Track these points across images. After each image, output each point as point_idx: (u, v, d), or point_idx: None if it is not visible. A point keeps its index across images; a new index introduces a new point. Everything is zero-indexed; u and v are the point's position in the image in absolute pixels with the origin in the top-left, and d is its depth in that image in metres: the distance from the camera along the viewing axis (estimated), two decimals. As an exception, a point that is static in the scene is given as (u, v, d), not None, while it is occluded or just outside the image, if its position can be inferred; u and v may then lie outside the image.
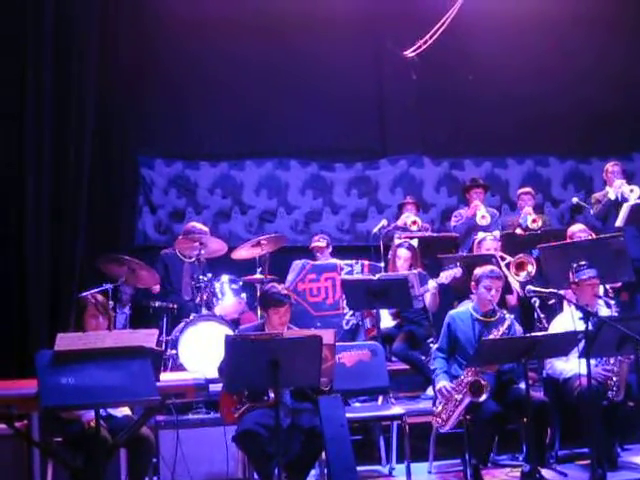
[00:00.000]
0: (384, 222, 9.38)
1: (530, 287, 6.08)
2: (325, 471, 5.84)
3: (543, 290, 6.17)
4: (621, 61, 11.25)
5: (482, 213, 9.08)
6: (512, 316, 6.27)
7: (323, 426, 3.51)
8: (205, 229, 8.73)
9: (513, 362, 5.95)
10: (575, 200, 9.65)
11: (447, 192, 11.59)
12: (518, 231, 9.03)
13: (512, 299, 7.63)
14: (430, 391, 7.44)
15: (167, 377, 5.12)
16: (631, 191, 8.88)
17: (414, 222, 9.35)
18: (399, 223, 9.47)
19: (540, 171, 11.86)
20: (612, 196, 9.01)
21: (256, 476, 5.81)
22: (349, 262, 8.68)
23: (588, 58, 11.06)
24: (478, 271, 6.34)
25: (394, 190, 11.45)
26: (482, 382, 5.83)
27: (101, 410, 4.78)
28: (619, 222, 8.57)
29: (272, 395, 5.56)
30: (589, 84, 11.09)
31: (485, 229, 8.85)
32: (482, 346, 5.74)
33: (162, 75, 10.50)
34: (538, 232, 8.78)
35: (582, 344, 5.70)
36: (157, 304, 8.17)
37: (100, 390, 4.38)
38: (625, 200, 8.81)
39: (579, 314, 6.13)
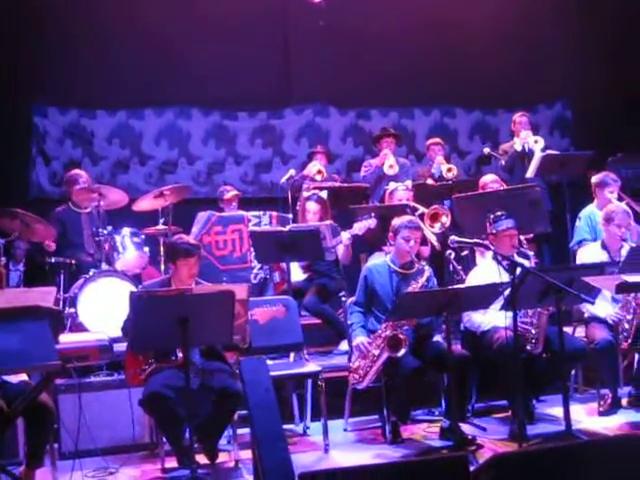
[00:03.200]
0: (292, 172, 9.06)
1: (454, 237, 5.86)
2: (234, 432, 5.61)
3: (468, 240, 5.97)
4: (526, 14, 11.13)
5: (390, 162, 8.85)
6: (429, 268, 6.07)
7: (246, 391, 3.21)
8: (83, 173, 8.31)
9: (434, 315, 5.74)
10: (486, 150, 9.53)
11: (353, 142, 11.43)
12: (429, 182, 8.84)
13: (426, 250, 7.45)
14: (343, 346, 7.22)
15: (67, 339, 4.73)
16: (535, 142, 8.82)
17: (319, 171, 9.04)
18: (305, 172, 9.15)
19: (447, 122, 11.78)
20: (518, 147, 8.94)
21: (165, 440, 5.49)
22: (257, 213, 8.32)
23: (494, 9, 10.89)
24: (396, 221, 6.10)
25: (299, 140, 11.21)
26: (401, 336, 5.61)
27: (-7, 376, 4.36)
28: (529, 173, 8.51)
29: (180, 354, 5.27)
30: (496, 35, 10.96)
31: (394, 179, 8.62)
32: (402, 299, 5.52)
33: (57, 20, 9.95)
34: (450, 183, 8.61)
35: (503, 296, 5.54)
36: (53, 260, 7.66)
37: (-8, 355, 3.96)
38: (531, 151, 8.74)
39: (497, 266, 6.00)
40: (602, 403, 6.39)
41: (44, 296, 4.34)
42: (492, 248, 5.89)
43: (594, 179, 7.61)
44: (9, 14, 9.26)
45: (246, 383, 3.28)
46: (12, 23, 9.42)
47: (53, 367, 4.14)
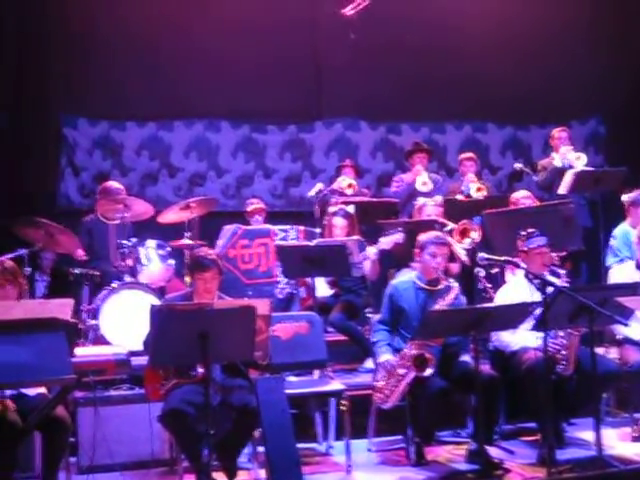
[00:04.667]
0: (320, 186, 8.94)
1: (483, 254, 5.70)
2: (254, 449, 5.48)
3: (498, 258, 5.80)
4: (560, 29, 10.98)
5: (423, 179, 8.69)
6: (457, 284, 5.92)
7: (261, 412, 3.07)
8: (121, 187, 8.19)
9: (461, 335, 5.60)
10: (518, 166, 9.32)
11: (383, 157, 11.33)
12: (459, 197, 8.68)
13: (455, 267, 7.28)
14: (368, 364, 7.09)
15: (84, 352, 4.62)
16: (577, 158, 8.60)
17: (349, 185, 8.91)
18: (335, 186, 9.02)
19: (478, 137, 11.64)
20: (558, 163, 8.71)
21: (183, 457, 5.38)
22: (283, 227, 8.21)
23: (527, 24, 10.78)
24: (422, 237, 5.96)
25: (329, 154, 11.12)
26: (427, 356, 5.46)
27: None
28: (562, 189, 8.30)
29: (201, 370, 5.16)
30: (529, 51, 10.89)
31: (427, 195, 8.47)
32: (429, 317, 5.36)
33: (88, 32, 9.92)
34: (480, 198, 8.44)
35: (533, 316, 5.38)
36: (78, 271, 7.60)
37: (5, 368, 3.86)
38: (571, 168, 8.52)
39: (528, 285, 5.86)
40: (635, 428, 6.20)
41: (61, 308, 4.26)
42: (523, 266, 5.73)
43: (628, 197, 7.45)
44: (38, 25, 9.28)
45: (261, 403, 3.16)
46: (42, 34, 9.44)
47: (68, 381, 4.04)
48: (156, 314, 4.80)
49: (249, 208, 9.04)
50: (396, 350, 5.76)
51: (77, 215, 9.20)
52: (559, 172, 8.60)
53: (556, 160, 8.71)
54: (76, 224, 8.25)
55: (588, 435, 6.05)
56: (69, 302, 4.41)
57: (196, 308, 4.93)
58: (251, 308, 4.80)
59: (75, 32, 9.85)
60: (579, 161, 8.50)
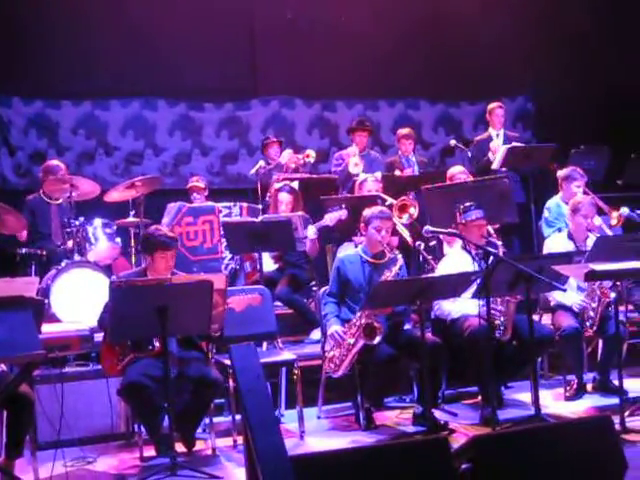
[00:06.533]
0: (261, 163, 9.13)
1: (429, 227, 5.97)
2: (210, 420, 5.67)
3: (443, 230, 6.08)
4: (488, 6, 11.24)
5: (355, 161, 8.82)
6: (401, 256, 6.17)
7: (237, 378, 3.26)
8: (62, 165, 8.23)
9: (408, 304, 5.86)
10: (453, 143, 9.56)
11: (319, 134, 11.52)
12: (397, 173, 8.92)
13: (394, 241, 7.53)
14: (314, 335, 7.33)
15: (48, 329, 4.73)
16: None
17: (307, 155, 9.10)
18: (282, 161, 9.11)
19: (411, 114, 11.90)
20: (491, 157, 8.88)
21: (142, 429, 5.54)
22: (227, 204, 8.38)
23: (455, 1, 11.01)
24: (367, 212, 6.17)
25: (265, 132, 11.23)
26: (376, 324, 5.69)
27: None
28: (495, 165, 8.58)
29: (157, 344, 5.32)
30: (459, 29, 11.08)
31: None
32: (377, 288, 5.60)
33: (20, 10, 9.84)
34: (417, 174, 8.70)
35: (475, 285, 5.67)
36: (24, 251, 7.63)
37: (-24, 345, 3.97)
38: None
39: (466, 256, 6.16)
40: (568, 388, 6.57)
41: (27, 286, 4.37)
42: (467, 238, 6.01)
43: (561, 172, 7.76)
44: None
45: (237, 370, 3.34)
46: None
47: (38, 356, 4.17)
48: (115, 290, 4.92)
49: (188, 186, 9.18)
50: (344, 321, 5.98)
51: (13, 195, 9.19)
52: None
53: (490, 156, 8.84)
54: (14, 204, 8.21)
55: (525, 397, 6.43)
56: (34, 280, 4.54)
57: (155, 283, 5.08)
58: (208, 282, 4.98)
59: (7, 12, 9.76)
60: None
